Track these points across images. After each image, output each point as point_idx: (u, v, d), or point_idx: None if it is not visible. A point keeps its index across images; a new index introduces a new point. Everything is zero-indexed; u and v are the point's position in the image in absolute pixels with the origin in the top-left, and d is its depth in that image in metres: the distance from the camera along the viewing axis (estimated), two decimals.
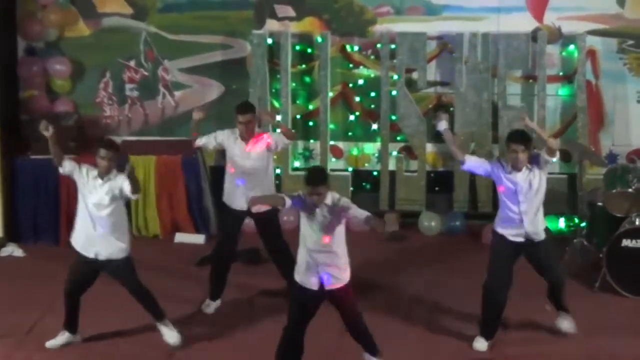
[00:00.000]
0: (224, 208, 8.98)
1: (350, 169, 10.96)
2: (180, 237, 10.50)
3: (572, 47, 10.59)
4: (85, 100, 11.15)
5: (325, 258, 7.20)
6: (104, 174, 7.75)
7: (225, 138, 8.71)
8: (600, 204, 9.54)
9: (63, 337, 8.14)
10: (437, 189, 10.90)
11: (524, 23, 10.60)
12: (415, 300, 8.96)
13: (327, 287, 7.27)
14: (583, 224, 9.64)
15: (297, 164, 11.01)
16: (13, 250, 10.14)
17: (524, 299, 8.42)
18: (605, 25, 10.62)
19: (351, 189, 10.69)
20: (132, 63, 11.14)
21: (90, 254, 7.81)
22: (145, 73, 11.16)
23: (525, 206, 7.90)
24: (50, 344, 8.11)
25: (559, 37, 10.59)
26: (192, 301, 8.97)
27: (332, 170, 10.83)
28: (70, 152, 9.95)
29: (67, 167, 7.89)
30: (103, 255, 7.83)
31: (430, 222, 10.62)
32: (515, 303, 8.25)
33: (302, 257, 7.26)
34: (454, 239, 10.50)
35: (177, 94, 11.18)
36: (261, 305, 8.94)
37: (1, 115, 10.14)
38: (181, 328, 8.29)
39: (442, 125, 8.15)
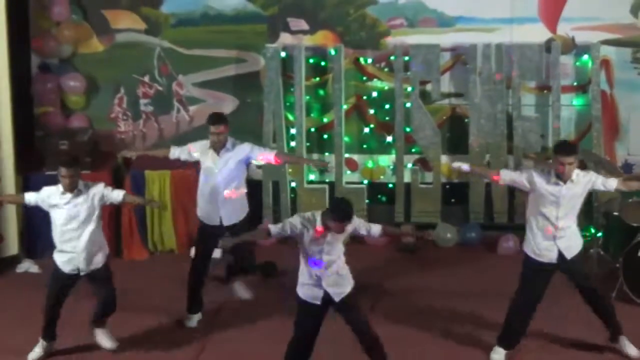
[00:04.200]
0: (199, 223, 8.94)
1: (365, 181, 10.97)
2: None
3: (586, 57, 10.60)
4: (99, 116, 11.19)
5: (328, 277, 7.28)
6: (70, 188, 7.82)
7: (196, 149, 8.70)
8: (616, 213, 9.52)
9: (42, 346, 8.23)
10: (452, 200, 10.92)
11: (537, 34, 10.61)
12: (431, 310, 8.97)
13: (335, 299, 7.33)
14: (599, 234, 9.67)
15: (312, 177, 11.00)
16: (29, 266, 10.16)
17: (544, 307, 8.32)
18: (619, 35, 10.62)
19: (367, 201, 10.72)
20: (146, 78, 11.16)
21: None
22: (160, 88, 11.19)
23: (562, 219, 7.85)
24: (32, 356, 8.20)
25: (572, 47, 10.60)
26: (207, 314, 9.02)
27: (347, 183, 10.94)
28: (85, 168, 10.00)
29: (29, 199, 8.06)
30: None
31: (445, 234, 10.57)
32: (539, 309, 8.21)
33: (304, 275, 7.30)
34: (470, 250, 10.50)
35: (192, 108, 11.21)
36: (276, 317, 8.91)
37: (16, 132, 10.15)
38: (198, 339, 8.44)
39: (465, 167, 8.29)
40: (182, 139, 10.69)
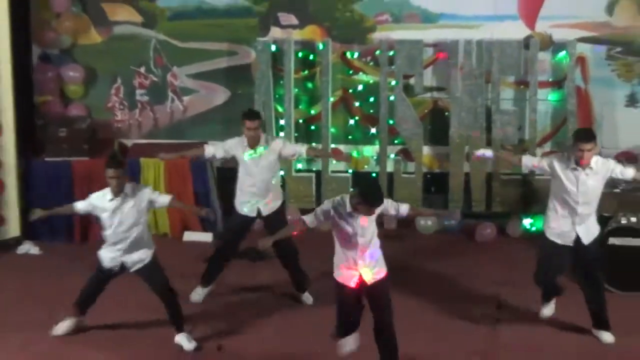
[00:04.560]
0: (233, 211, 9.04)
1: (350, 170, 10.95)
2: (189, 236, 10.65)
3: (562, 53, 10.64)
4: (97, 105, 11.24)
5: (363, 259, 7.23)
6: (117, 192, 7.81)
7: (233, 147, 8.76)
8: None
9: (71, 321, 8.31)
10: (433, 189, 10.90)
11: (516, 31, 10.64)
12: (416, 293, 9.07)
13: (368, 282, 7.27)
14: None
15: (299, 165, 11.01)
16: (29, 248, 10.27)
17: (523, 290, 8.69)
18: (594, 33, 10.65)
19: (351, 189, 10.26)
20: (142, 69, 11.20)
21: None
22: (155, 79, 11.21)
23: (582, 205, 7.93)
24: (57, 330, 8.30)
25: (550, 44, 10.65)
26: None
27: (333, 171, 10.95)
28: (83, 154, 10.58)
29: (80, 207, 8.08)
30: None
31: (426, 222, 10.71)
32: (514, 293, 8.69)
33: (339, 257, 7.27)
34: (449, 238, 10.61)
35: (185, 98, 11.23)
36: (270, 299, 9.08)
37: (17, 120, 10.23)
38: (196, 321, 8.46)
39: (489, 153, 8.49)
40: (176, 128, 11.34)
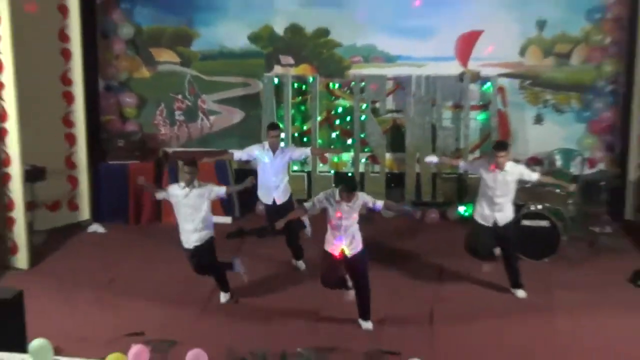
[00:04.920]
0: (259, 201, 8.93)
1: (332, 171, 10.95)
2: (214, 219, 10.20)
3: (487, 85, 10.65)
4: (146, 122, 11.28)
5: (346, 237, 7.21)
6: (189, 183, 7.70)
7: (256, 151, 8.56)
8: None
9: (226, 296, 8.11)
10: (392, 185, 10.88)
11: (453, 68, 10.64)
12: (380, 261, 8.95)
13: (348, 255, 7.22)
14: None
15: (295, 167, 10.97)
16: (97, 228, 10.35)
17: (459, 260, 8.66)
18: (511, 70, 10.68)
19: (333, 185, 10.37)
20: (179, 96, 11.22)
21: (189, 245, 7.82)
22: (189, 103, 11.23)
23: (499, 197, 7.90)
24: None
25: (478, 78, 10.68)
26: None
27: (320, 172, 10.92)
28: (135, 159, 10.55)
29: (160, 195, 7.92)
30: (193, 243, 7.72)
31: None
32: (452, 261, 8.63)
33: (328, 235, 7.29)
34: (405, 220, 10.51)
35: (212, 118, 11.21)
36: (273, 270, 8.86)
37: (88, 133, 10.26)
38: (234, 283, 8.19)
39: (433, 159, 8.24)
40: (205, 139, 11.22)
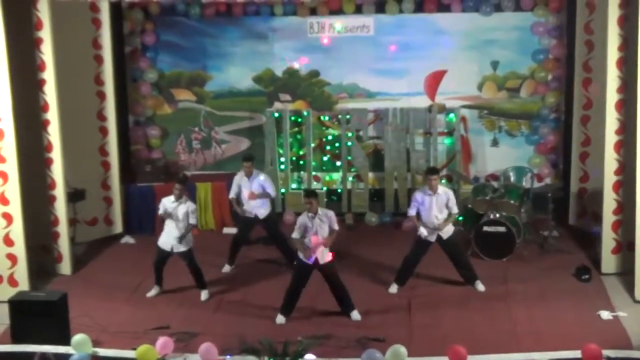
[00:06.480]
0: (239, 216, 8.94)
1: (324, 188, 10.84)
2: (226, 230, 10.42)
3: (452, 115, 10.61)
4: (169, 151, 11.22)
5: (317, 246, 7.23)
6: (177, 198, 7.87)
7: (239, 179, 8.74)
8: (470, 206, 9.60)
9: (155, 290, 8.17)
10: (375, 199, 10.82)
11: (423, 101, 10.67)
12: (361, 264, 9.00)
13: (321, 262, 7.27)
14: (460, 218, 9.54)
15: (294, 185, 10.91)
16: (128, 239, 10.22)
17: (431, 263, 8.43)
18: (471, 102, 10.70)
19: (325, 199, 10.64)
20: (196, 129, 11.15)
21: (167, 247, 8.00)
22: (204, 134, 11.16)
23: (435, 217, 7.80)
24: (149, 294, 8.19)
25: (444, 109, 10.63)
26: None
27: (315, 189, 10.33)
28: (160, 181, 10.41)
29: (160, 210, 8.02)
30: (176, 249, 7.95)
31: (371, 219, 10.60)
32: (425, 264, 8.29)
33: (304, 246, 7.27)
34: (386, 228, 10.44)
35: (223, 146, 11.15)
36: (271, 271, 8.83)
37: (120, 160, 10.23)
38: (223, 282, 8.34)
39: (423, 231, 7.79)
40: (218, 164, 11.13)
